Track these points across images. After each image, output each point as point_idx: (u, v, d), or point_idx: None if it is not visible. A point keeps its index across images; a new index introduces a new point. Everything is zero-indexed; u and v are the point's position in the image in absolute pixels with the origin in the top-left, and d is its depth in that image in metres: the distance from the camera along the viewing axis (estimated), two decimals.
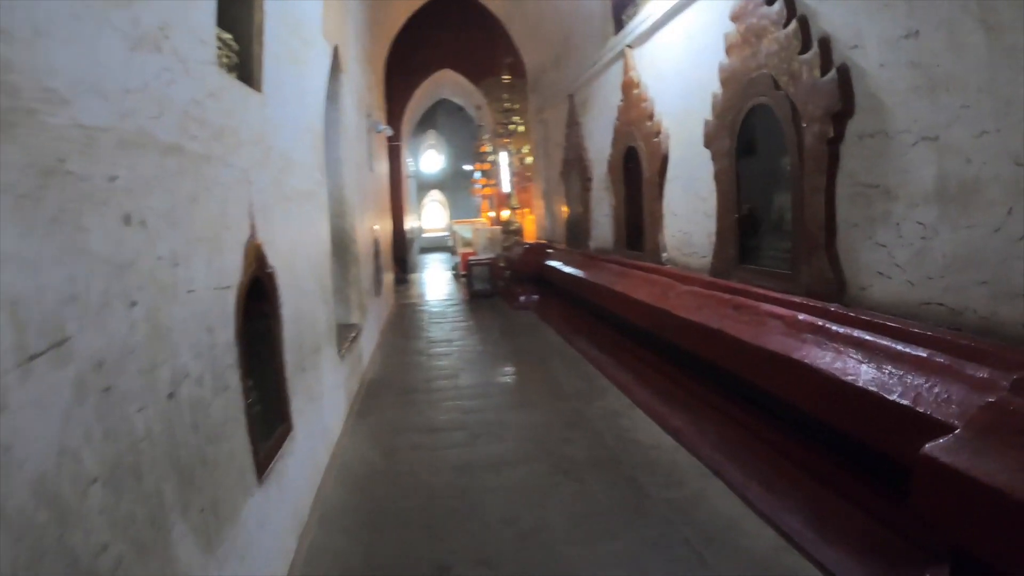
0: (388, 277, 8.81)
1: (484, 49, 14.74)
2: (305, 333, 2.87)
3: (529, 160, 9.86)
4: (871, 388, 2.33)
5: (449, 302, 9.71)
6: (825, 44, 2.78)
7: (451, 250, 14.33)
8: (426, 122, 26.64)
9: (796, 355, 2.85)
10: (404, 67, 14.01)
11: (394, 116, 14.29)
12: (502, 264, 9.80)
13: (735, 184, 3.63)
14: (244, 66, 2.28)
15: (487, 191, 14.43)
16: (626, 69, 5.11)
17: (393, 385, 5.03)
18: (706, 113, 3.86)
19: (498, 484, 3.19)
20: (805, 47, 2.89)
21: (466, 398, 4.61)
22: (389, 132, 7.42)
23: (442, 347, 6.37)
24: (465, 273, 12.54)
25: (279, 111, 2.61)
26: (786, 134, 3.07)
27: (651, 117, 4.69)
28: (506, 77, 9.82)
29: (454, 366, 5.57)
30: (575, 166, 6.98)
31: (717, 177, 3.80)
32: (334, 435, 3.61)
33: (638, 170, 5.01)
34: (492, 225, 13.37)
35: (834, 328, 2.78)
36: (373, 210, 6.72)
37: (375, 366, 5.61)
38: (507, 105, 9.80)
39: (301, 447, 2.68)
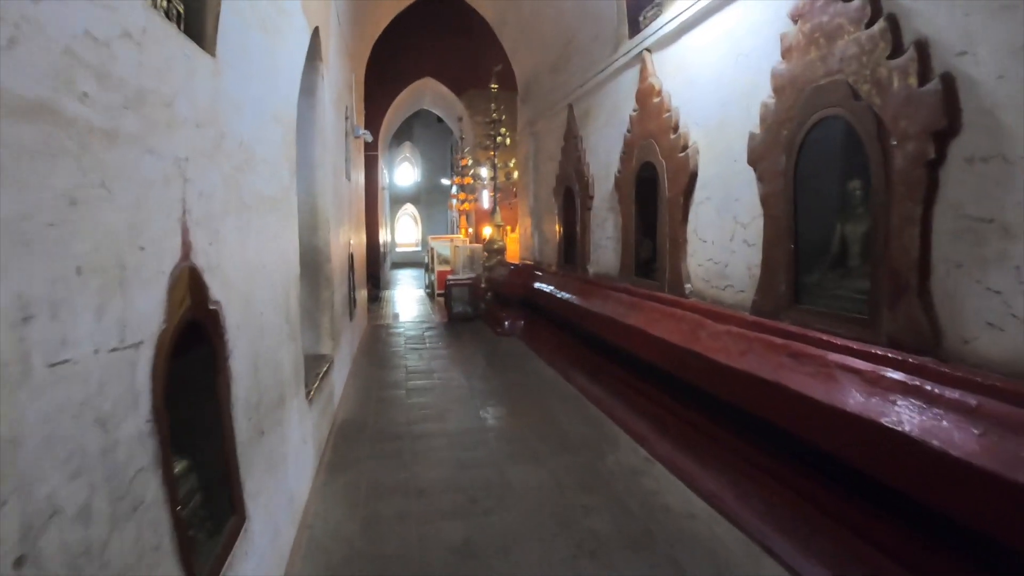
0: (362, 295, 8.08)
1: (468, 59, 14.21)
2: (266, 384, 2.17)
3: (515, 175, 9.28)
4: (993, 468, 1.84)
5: (426, 324, 8.99)
6: (923, 48, 2.26)
7: (426, 267, 13.62)
8: (402, 134, 26.02)
9: (885, 421, 2.30)
10: (384, 74, 13.36)
11: (372, 125, 13.59)
12: (484, 285, 9.15)
13: (791, 209, 3.07)
14: (194, 17, 1.60)
15: (466, 206, 13.81)
16: (644, 75, 4.56)
17: (370, 428, 4.30)
18: (751, 125, 3.32)
19: (510, 573, 2.52)
20: (896, 51, 2.37)
21: (458, 447, 3.92)
22: (369, 138, 6.75)
23: (423, 379, 5.66)
24: (443, 293, 11.84)
25: (239, 87, 1.93)
26: (869, 153, 2.53)
27: (675, 129, 4.14)
28: (494, 86, 9.27)
29: (439, 405, 4.87)
30: (573, 182, 6.41)
31: (766, 200, 3.25)
32: (301, 500, 2.88)
33: (654, 189, 4.44)
34: (472, 242, 12.72)
35: (935, 389, 2.23)
36: (349, 223, 6.02)
37: (348, 403, 4.88)
38: (494, 115, 9.23)
39: (259, 541, 1.97)
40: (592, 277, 5.96)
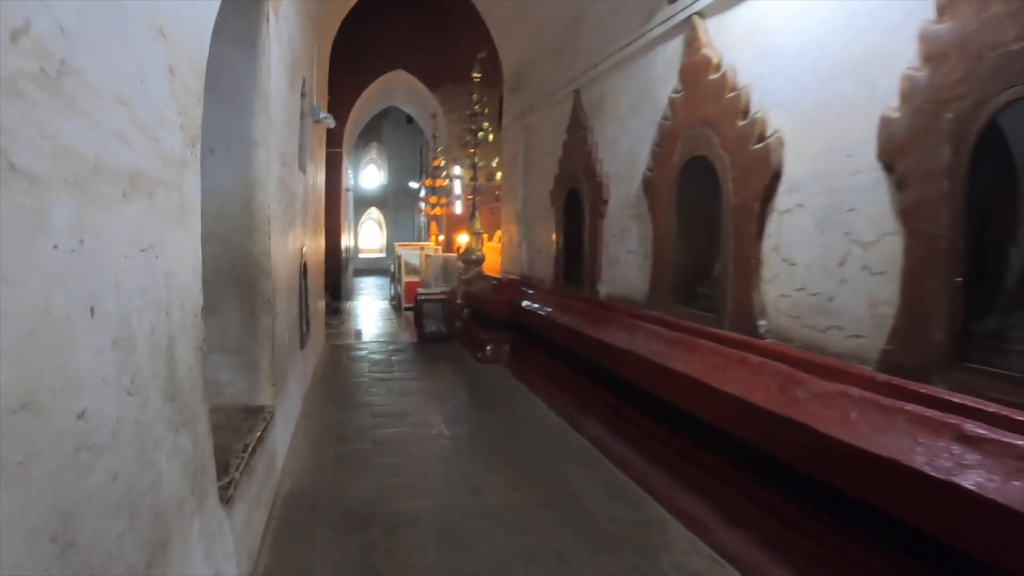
0: (319, 308, 6.85)
1: (444, 51, 13.10)
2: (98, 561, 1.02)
3: (499, 176, 8.21)
4: None
5: (393, 345, 7.78)
6: None
7: (391, 276, 12.40)
8: (370, 134, 24.69)
9: None
10: (352, 64, 12.13)
11: (337, 120, 12.33)
12: (460, 301, 8.02)
13: (958, 224, 2.08)
14: None
15: (437, 211, 12.65)
16: (693, 47, 3.55)
17: (325, 508, 3.13)
18: (877, 107, 2.34)
19: None
20: None
21: (450, 544, 2.78)
22: (331, 123, 5.58)
23: (394, 426, 4.50)
24: (411, 307, 10.64)
25: None
26: None
27: (744, 113, 3.12)
28: (476, 75, 8.19)
29: (417, 468, 3.72)
30: (579, 183, 5.37)
31: (909, 211, 2.25)
32: None
33: (708, 192, 3.42)
34: (444, 251, 11.57)
35: None
36: (303, 225, 4.83)
37: (298, 461, 3.69)
38: (476, 108, 8.13)
39: None
40: (604, 299, 4.91)
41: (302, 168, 4.58)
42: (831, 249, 2.63)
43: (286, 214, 3.66)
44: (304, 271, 4.73)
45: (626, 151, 4.57)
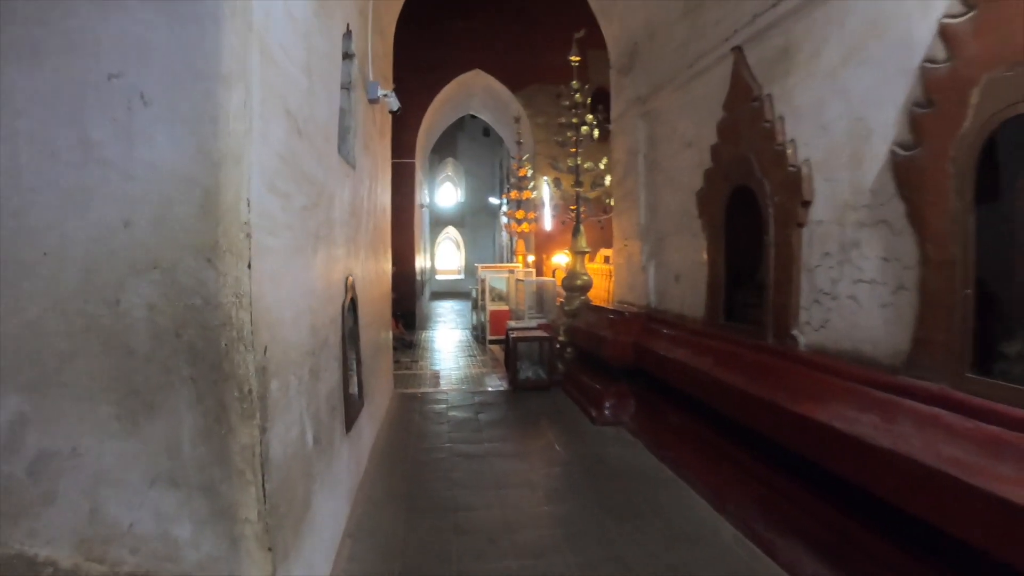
0: (385, 342, 5.41)
1: (527, 47, 11.63)
2: None
3: (608, 181, 6.55)
4: None
5: (479, 396, 6.21)
6: None
7: (474, 302, 10.97)
8: (445, 149, 23.74)
9: None
10: (423, 64, 10.88)
11: (408, 125, 11.12)
12: (562, 338, 6.38)
13: None
14: None
15: (525, 227, 11.11)
16: None
17: None
18: None
19: None
20: None
21: None
22: (394, 103, 4.13)
23: (491, 559, 2.88)
24: (497, 340, 9.10)
25: None
26: None
27: None
28: (575, 58, 6.60)
29: None
30: (751, 177, 3.63)
31: None
32: None
33: None
34: (535, 275, 10.00)
35: None
36: (351, 242, 3.35)
37: None
38: (576, 97, 6.53)
39: None
40: (807, 352, 3.14)
41: (349, 160, 3.11)
42: None
43: (306, 221, 2.15)
44: (354, 307, 3.24)
45: (844, 123, 2.84)
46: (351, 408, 3.12)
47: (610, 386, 5.12)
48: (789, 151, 3.30)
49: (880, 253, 2.66)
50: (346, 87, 3.12)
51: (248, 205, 1.48)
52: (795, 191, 3.24)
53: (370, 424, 4.04)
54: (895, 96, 2.51)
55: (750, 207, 3.67)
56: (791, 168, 3.27)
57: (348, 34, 3.10)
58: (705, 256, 4.21)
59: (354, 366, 3.20)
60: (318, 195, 2.37)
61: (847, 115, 2.85)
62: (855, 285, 2.84)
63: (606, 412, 4.98)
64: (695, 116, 4.43)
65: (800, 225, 3.24)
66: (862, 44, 2.74)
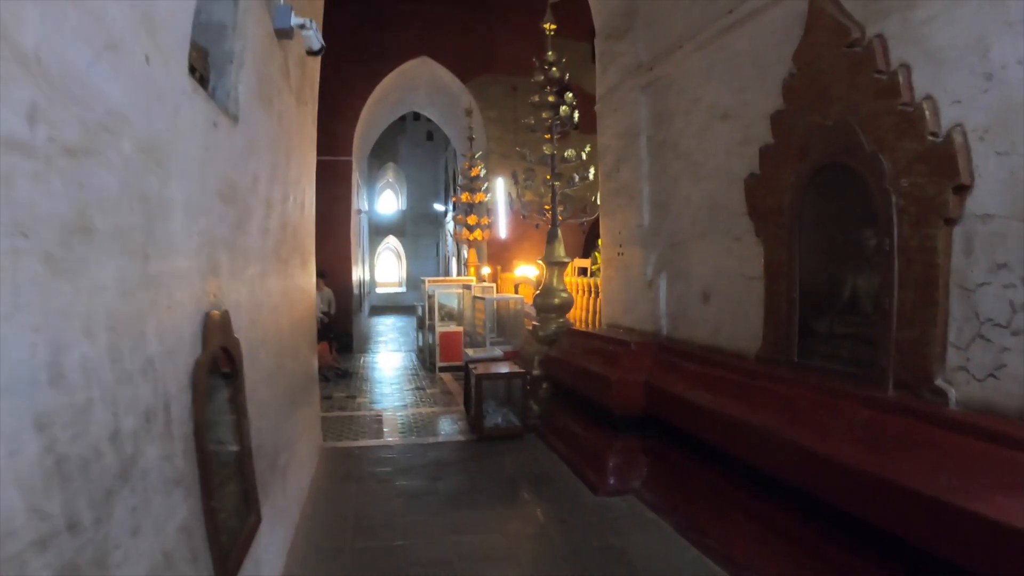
0: (304, 399, 4.00)
1: (479, 36, 10.40)
2: None
3: (592, 173, 5.35)
4: None
5: (435, 451, 4.81)
6: None
7: (419, 320, 9.54)
8: (385, 154, 22.19)
9: None
10: (365, 51, 9.49)
11: (345, 121, 9.67)
12: (537, 371, 5.11)
13: None
14: None
15: (477, 235, 9.79)
16: None
17: None
18: None
19: None
20: None
21: None
22: (314, 42, 2.72)
23: None
24: (448, 366, 7.73)
25: None
26: None
27: None
28: (549, 26, 5.40)
29: None
30: (849, 153, 2.49)
31: None
32: None
33: None
34: (496, 291, 8.69)
35: None
36: (233, 248, 1.97)
37: None
38: (554, 72, 5.31)
39: None
40: (961, 413, 2.00)
41: (225, 106, 1.75)
42: None
43: (66, 193, 0.80)
44: (231, 360, 1.86)
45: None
46: (228, 541, 1.73)
47: (613, 440, 3.87)
48: (928, 113, 2.17)
49: None
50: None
51: None
52: (940, 171, 2.12)
53: (279, 529, 2.62)
54: None
55: (847, 197, 2.52)
56: (931, 137, 2.15)
57: None
58: (763, 264, 3.04)
59: (234, 465, 1.82)
60: (112, 135, 1.02)
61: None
62: None
63: (610, 477, 3.73)
64: (734, 79, 3.29)
65: (950, 222, 2.12)
66: None
